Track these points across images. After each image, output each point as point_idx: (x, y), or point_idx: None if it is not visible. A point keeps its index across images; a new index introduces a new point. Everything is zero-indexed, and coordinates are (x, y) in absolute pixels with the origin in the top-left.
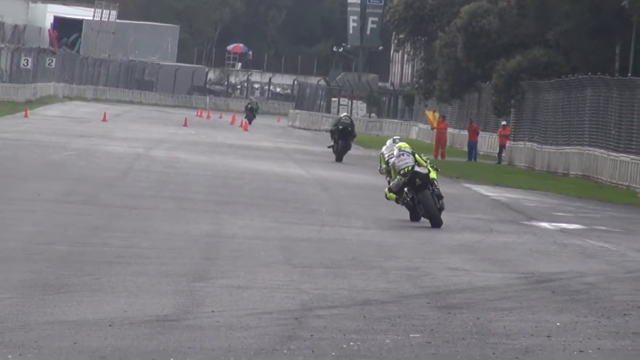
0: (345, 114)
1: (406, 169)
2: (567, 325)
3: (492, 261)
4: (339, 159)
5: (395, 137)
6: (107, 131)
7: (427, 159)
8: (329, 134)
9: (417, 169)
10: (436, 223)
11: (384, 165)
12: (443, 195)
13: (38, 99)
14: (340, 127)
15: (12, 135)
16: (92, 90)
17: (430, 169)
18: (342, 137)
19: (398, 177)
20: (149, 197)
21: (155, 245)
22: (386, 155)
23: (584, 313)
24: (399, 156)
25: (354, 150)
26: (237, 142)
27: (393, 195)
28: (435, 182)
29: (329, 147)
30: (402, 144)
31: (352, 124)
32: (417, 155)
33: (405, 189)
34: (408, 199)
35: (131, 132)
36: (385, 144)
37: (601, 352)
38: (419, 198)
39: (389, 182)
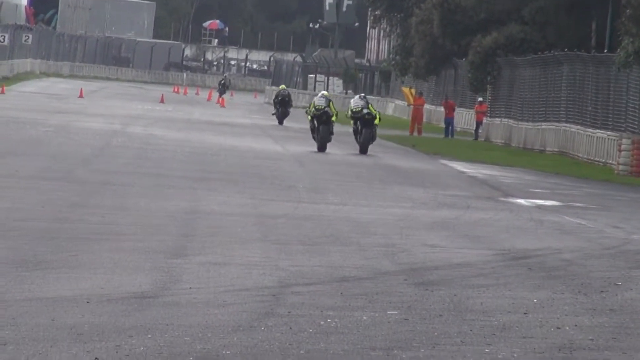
0: (282, 86)
1: (319, 107)
2: (544, 301)
3: (468, 238)
4: (280, 122)
5: (323, 92)
6: (83, 107)
7: (379, 113)
8: (304, 111)
9: (326, 109)
10: (320, 149)
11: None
12: (376, 138)
13: (15, 75)
14: (280, 98)
15: None
16: (69, 66)
17: (378, 116)
18: (282, 105)
19: (313, 109)
20: (126, 174)
21: (133, 222)
22: (315, 100)
23: (561, 290)
24: (318, 98)
25: None
26: (214, 119)
27: (310, 118)
28: (377, 126)
29: (272, 114)
30: (325, 92)
31: (289, 96)
32: (370, 106)
33: (315, 120)
34: (313, 125)
35: (108, 109)
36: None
37: (578, 328)
38: (319, 129)
39: (307, 111)
